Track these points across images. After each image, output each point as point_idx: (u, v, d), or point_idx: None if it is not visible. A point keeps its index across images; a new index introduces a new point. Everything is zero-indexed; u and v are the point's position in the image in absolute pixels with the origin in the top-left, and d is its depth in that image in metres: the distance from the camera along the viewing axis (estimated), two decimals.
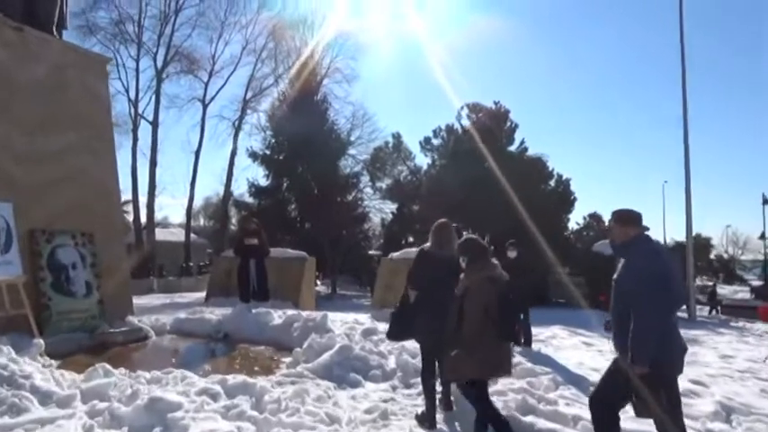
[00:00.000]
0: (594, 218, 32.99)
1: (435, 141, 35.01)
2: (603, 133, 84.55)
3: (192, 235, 39.12)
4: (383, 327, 6.66)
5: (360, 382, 5.62)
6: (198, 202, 43.46)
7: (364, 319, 10.27)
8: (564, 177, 33.17)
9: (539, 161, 33.78)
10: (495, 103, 34.77)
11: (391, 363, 6.21)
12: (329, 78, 33.13)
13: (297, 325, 7.94)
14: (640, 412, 3.33)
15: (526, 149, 34.35)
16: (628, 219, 3.46)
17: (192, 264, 33.00)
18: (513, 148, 34.21)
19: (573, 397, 5.12)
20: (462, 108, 34.94)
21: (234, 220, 42.86)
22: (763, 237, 40.64)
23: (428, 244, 4.59)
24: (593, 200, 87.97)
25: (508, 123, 34.60)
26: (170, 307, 13.63)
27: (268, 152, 30.85)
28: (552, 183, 33.18)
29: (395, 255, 12.06)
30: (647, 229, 3.55)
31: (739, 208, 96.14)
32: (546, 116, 78.22)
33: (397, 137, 33.81)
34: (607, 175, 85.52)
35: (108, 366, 5.05)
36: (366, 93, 59.64)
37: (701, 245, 44.47)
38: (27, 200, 6.74)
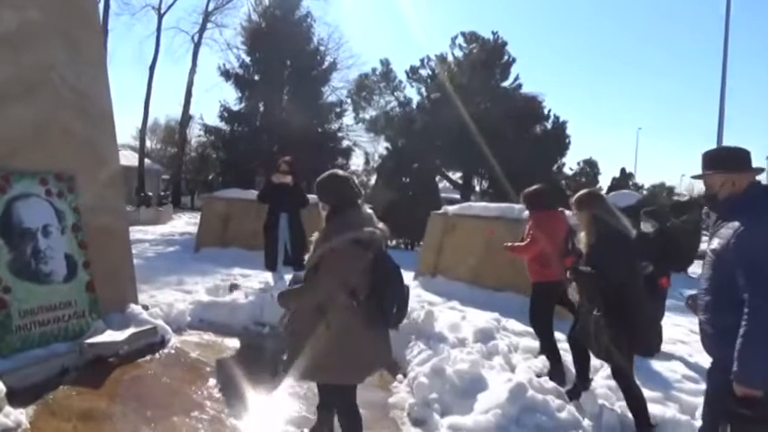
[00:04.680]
0: (589, 164, 31.30)
1: (423, 72, 32.01)
2: (604, 77, 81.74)
3: (146, 160, 35.29)
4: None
5: None
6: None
7: (430, 296, 7.86)
8: (561, 120, 31.10)
9: (533, 100, 31.57)
10: (493, 34, 31.86)
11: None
12: None
13: None
14: None
15: (521, 86, 31.99)
16: (737, 160, 2.46)
17: (150, 193, 29.49)
18: (507, 83, 31.77)
19: None
20: (456, 37, 31.92)
21: (193, 144, 39.24)
22: None
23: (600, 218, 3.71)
24: (588, 147, 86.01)
25: (505, 57, 31.88)
26: (147, 254, 10.85)
27: (240, 71, 26.99)
28: (548, 124, 31.07)
29: (451, 209, 9.57)
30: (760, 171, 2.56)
31: None
32: (544, 52, 74.28)
33: (385, 63, 30.41)
34: (605, 121, 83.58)
35: None
36: (348, 13, 53.51)
37: None
38: None
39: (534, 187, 5.49)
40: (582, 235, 3.92)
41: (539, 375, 4.41)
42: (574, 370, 4.37)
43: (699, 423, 2.88)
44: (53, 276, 4.22)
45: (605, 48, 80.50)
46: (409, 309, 5.53)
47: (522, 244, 5.16)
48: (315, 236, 2.81)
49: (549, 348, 4.85)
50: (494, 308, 7.13)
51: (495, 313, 6.57)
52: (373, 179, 30.33)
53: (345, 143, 28.30)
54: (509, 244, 5.40)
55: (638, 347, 3.71)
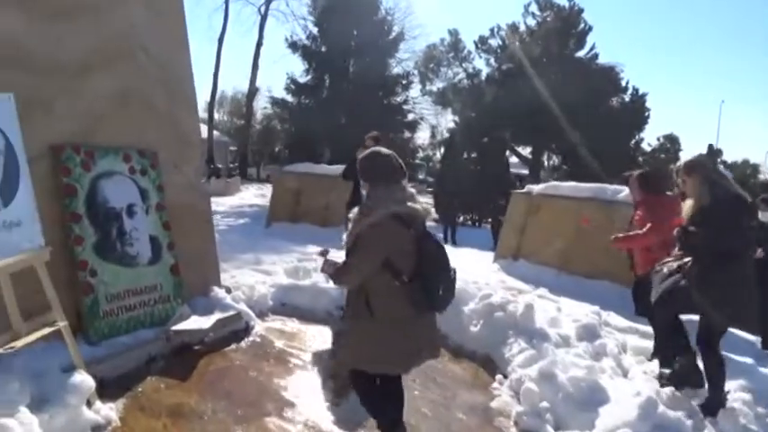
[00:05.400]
0: (670, 139, 29.35)
1: (493, 42, 30.77)
2: (686, 46, 75.93)
3: (215, 132, 35.96)
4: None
5: None
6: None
7: (515, 282, 7.35)
8: (640, 92, 29.23)
9: (611, 71, 29.79)
10: (569, 0, 30.04)
11: None
12: None
13: (472, 307, 5.05)
14: None
15: (597, 56, 30.23)
16: None
17: (220, 165, 30.03)
18: (582, 53, 30.08)
19: None
20: (530, 4, 30.38)
21: (258, 117, 39.63)
22: None
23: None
24: (668, 121, 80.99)
25: (581, 25, 30.10)
26: (220, 227, 10.80)
27: (308, 43, 26.72)
28: (626, 97, 29.29)
29: (536, 188, 8.94)
30: None
31: None
32: (623, 20, 69.51)
33: (454, 34, 29.46)
34: (686, 94, 78.28)
35: None
36: None
37: None
38: (43, 90, 3.61)
39: (647, 169, 4.87)
40: (688, 202, 3.63)
41: (661, 384, 3.86)
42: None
43: None
44: (138, 259, 4.02)
45: (687, 14, 74.99)
46: (502, 298, 5.17)
47: (640, 233, 4.55)
48: (353, 212, 2.66)
49: (676, 346, 4.25)
50: (587, 298, 6.57)
51: (594, 306, 6.00)
52: (439, 153, 29.69)
53: (411, 116, 27.63)
54: (619, 235, 4.78)
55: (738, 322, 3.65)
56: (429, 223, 4.30)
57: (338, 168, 11.07)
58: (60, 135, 3.74)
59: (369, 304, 2.56)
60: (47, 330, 2.71)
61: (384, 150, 2.74)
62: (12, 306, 2.67)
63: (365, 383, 2.82)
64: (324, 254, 2.85)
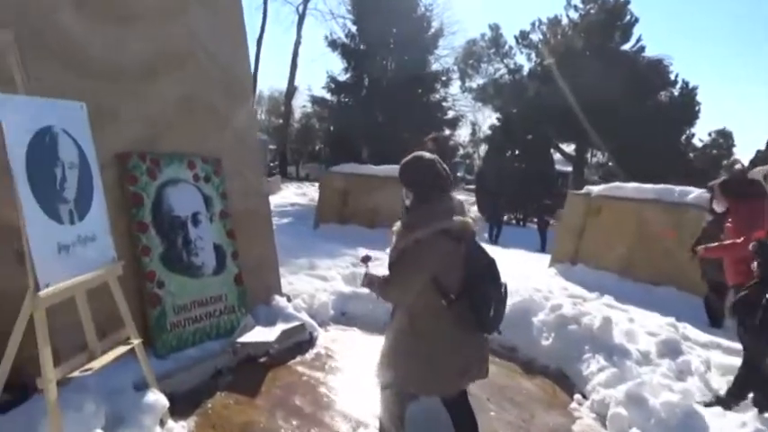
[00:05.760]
0: (722, 135, 28.15)
1: (534, 36, 30.07)
2: (739, 37, 72.73)
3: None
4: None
5: None
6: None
7: (576, 289, 7.02)
8: (690, 85, 28.10)
9: (658, 64, 28.74)
10: None
11: None
12: None
13: (542, 318, 4.80)
14: None
15: (643, 49, 29.20)
16: None
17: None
18: (627, 46, 29.11)
19: None
20: None
21: (297, 115, 39.82)
22: None
23: None
24: (720, 115, 77.85)
25: (626, 17, 29.13)
26: None
27: (347, 41, 26.61)
28: (675, 90, 28.22)
29: (596, 189, 8.58)
30: None
31: None
32: (671, 11, 66.87)
33: (494, 29, 28.89)
34: (739, 88, 75.02)
35: None
36: None
37: None
38: (108, 96, 3.52)
39: (741, 173, 4.51)
40: None
41: (761, 410, 3.54)
42: None
43: None
44: (204, 269, 3.91)
45: (739, 2, 71.82)
46: (574, 309, 4.90)
47: (738, 242, 4.20)
48: (396, 226, 2.45)
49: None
50: (655, 307, 6.23)
51: (667, 317, 5.66)
52: (480, 151, 29.23)
53: (451, 113, 27.23)
54: (710, 246, 4.41)
55: None
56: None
57: (386, 169, 10.93)
58: (126, 143, 3.65)
59: (412, 323, 2.39)
60: (122, 349, 2.60)
61: (427, 155, 2.50)
62: (87, 324, 2.56)
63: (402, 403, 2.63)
64: (366, 260, 2.66)
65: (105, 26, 3.55)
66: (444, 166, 2.50)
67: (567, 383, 4.24)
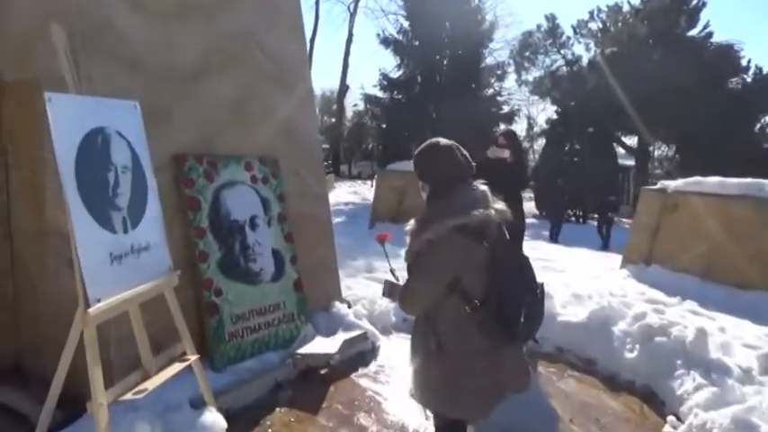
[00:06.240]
0: None
1: (593, 25, 28.88)
2: None
3: None
4: None
5: None
6: None
7: (654, 293, 6.49)
8: (764, 71, 26.29)
9: (729, 50, 27.03)
10: None
11: None
12: None
13: (625, 328, 4.39)
14: None
15: (711, 35, 27.56)
16: None
17: None
18: (694, 32, 27.52)
19: None
20: None
21: (349, 114, 39.95)
22: None
23: None
24: None
25: (693, 1, 27.57)
26: None
27: (399, 37, 26.33)
28: (748, 77, 26.47)
29: (673, 184, 7.92)
30: None
31: None
32: None
33: (551, 19, 27.90)
34: None
35: None
36: None
37: None
38: (162, 96, 3.37)
39: None
40: None
41: None
42: None
43: None
44: (262, 275, 3.72)
45: None
46: (660, 319, 4.45)
47: None
48: (410, 224, 2.11)
49: None
50: (745, 314, 5.65)
51: (764, 326, 5.10)
52: (537, 146, 28.34)
53: (506, 108, 26.52)
54: None
55: None
56: (529, 220, 3.76)
57: None
58: (181, 144, 3.50)
59: (436, 334, 2.07)
60: (178, 367, 2.42)
61: (443, 141, 2.17)
62: (142, 339, 2.39)
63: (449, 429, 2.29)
64: (382, 240, 2.35)
65: (159, 22, 3.41)
66: (464, 152, 2.17)
67: (657, 402, 3.82)
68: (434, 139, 2.21)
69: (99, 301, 2.04)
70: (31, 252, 3.23)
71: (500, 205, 2.09)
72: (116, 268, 2.18)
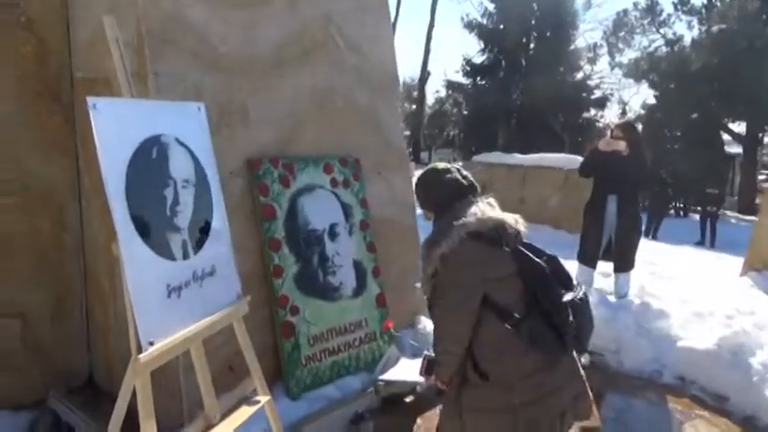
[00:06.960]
0: None
1: (696, 2, 26.44)
2: None
3: None
4: None
5: None
6: None
7: None
8: None
9: None
10: None
11: None
12: None
13: (763, 359, 3.68)
14: None
15: None
16: None
17: None
18: None
19: None
20: None
21: (430, 101, 39.24)
22: None
23: None
24: None
25: None
26: None
27: (484, 21, 25.30)
28: None
29: None
30: None
31: None
32: None
33: None
34: None
35: None
36: None
37: None
38: (234, 92, 3.05)
39: None
40: None
41: None
42: None
43: None
44: (342, 290, 3.34)
45: None
46: None
47: None
48: (422, 246, 2.04)
49: None
50: None
51: None
52: None
53: (598, 92, 24.90)
54: None
55: None
56: None
57: (533, 158, 9.89)
58: (257, 145, 3.17)
59: (478, 366, 1.87)
60: (247, 413, 2.07)
61: (440, 165, 2.17)
62: (205, 381, 2.06)
63: None
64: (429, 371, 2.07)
65: (231, 11, 3.08)
66: (465, 173, 2.13)
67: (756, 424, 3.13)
68: (432, 165, 2.22)
69: (152, 344, 1.71)
70: (102, 261, 3.03)
71: (514, 216, 2.00)
72: (174, 302, 1.85)
